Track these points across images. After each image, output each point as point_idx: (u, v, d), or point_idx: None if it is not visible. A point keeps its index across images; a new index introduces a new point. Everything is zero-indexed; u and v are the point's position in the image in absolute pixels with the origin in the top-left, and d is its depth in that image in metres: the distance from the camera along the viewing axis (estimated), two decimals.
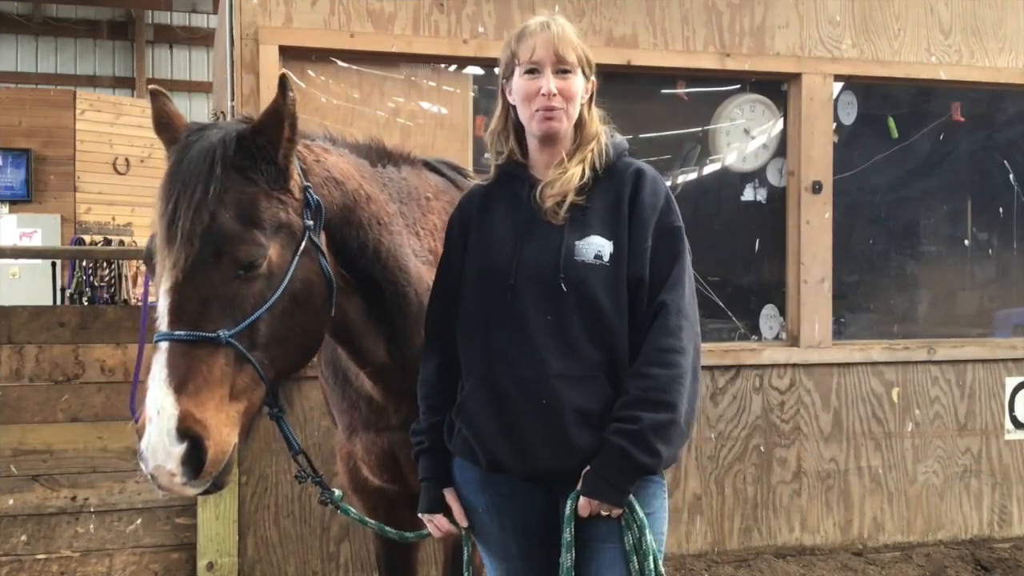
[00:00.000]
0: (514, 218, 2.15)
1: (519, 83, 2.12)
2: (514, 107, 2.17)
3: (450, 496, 2.19)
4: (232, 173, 1.92)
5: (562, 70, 2.09)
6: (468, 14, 4.24)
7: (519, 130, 2.21)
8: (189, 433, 1.74)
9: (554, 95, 2.07)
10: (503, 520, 2.16)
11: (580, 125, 2.16)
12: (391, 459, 2.61)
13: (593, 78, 2.18)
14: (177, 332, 1.81)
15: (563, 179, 2.09)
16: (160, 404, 1.74)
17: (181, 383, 1.76)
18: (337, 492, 2.31)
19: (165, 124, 2.09)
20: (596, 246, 2.05)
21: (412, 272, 2.41)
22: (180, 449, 1.73)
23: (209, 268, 1.85)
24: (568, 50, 2.09)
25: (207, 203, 1.86)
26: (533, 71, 2.09)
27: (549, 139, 2.13)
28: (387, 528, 2.45)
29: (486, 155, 4.13)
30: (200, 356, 1.80)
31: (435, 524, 2.20)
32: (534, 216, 2.11)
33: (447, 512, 2.19)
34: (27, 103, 11.07)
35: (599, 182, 2.13)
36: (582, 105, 2.15)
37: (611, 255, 2.04)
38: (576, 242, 2.05)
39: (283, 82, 1.96)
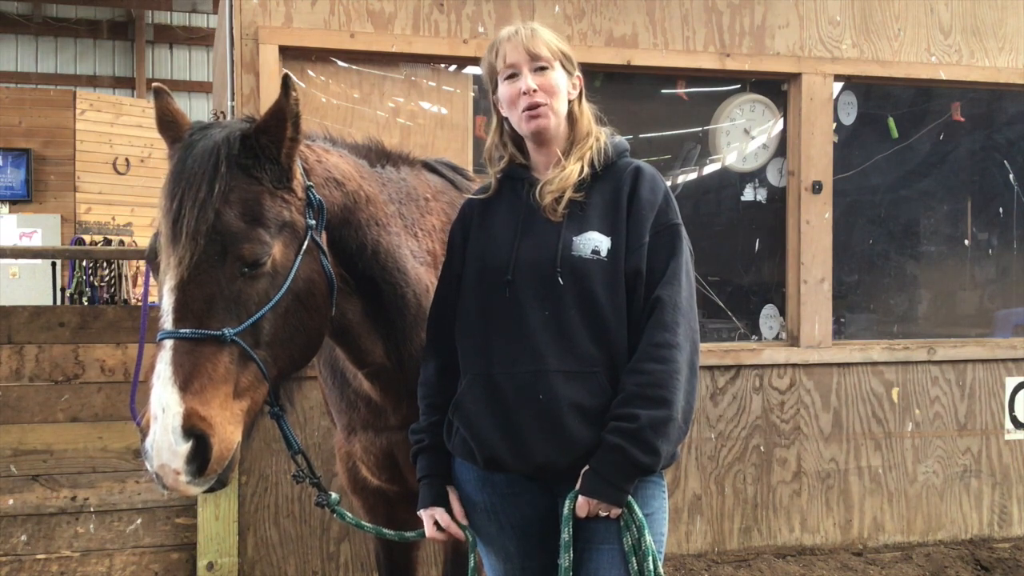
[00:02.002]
0: (514, 216, 2.16)
1: (503, 90, 2.16)
2: (507, 119, 2.20)
3: (452, 494, 2.18)
4: (236, 171, 1.93)
5: (538, 67, 2.12)
6: (468, 14, 4.24)
7: (517, 139, 2.24)
8: (194, 431, 1.74)
9: (535, 91, 2.10)
10: (501, 520, 2.16)
11: (572, 121, 2.18)
12: (390, 459, 2.61)
13: (578, 73, 2.21)
14: (182, 330, 1.81)
15: (561, 176, 2.11)
16: (165, 402, 1.74)
17: (186, 381, 1.77)
18: (334, 495, 2.29)
19: (168, 122, 2.10)
20: (594, 241, 2.06)
21: (410, 273, 2.41)
22: (185, 447, 1.73)
23: (214, 266, 1.86)
24: (540, 47, 2.12)
25: (212, 201, 1.86)
26: (512, 75, 2.14)
27: (541, 137, 2.16)
28: (385, 530, 2.43)
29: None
30: (204, 354, 1.81)
31: (434, 521, 2.17)
32: (533, 213, 2.13)
33: (449, 510, 2.18)
34: (27, 103, 11.05)
35: (598, 180, 2.14)
36: (572, 101, 2.18)
37: (609, 251, 2.06)
38: (574, 237, 2.07)
39: (286, 82, 1.97)
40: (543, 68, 2.12)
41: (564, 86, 2.15)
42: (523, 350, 2.04)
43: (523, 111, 2.11)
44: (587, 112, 2.22)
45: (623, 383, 2.00)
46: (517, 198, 2.19)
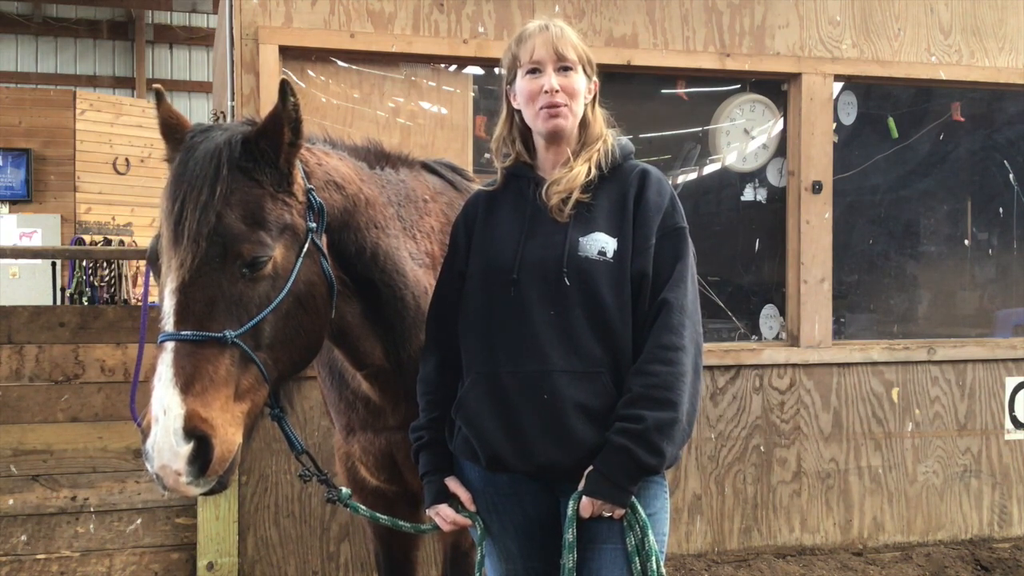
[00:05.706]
0: (519, 215, 2.17)
1: (522, 84, 2.15)
2: (519, 111, 2.20)
3: (453, 484, 2.18)
4: (238, 174, 1.94)
5: (563, 68, 2.12)
6: (468, 14, 4.24)
7: (525, 133, 2.23)
8: (195, 432, 1.75)
9: (557, 91, 2.10)
10: (504, 520, 2.16)
11: (584, 125, 2.19)
12: (389, 459, 2.62)
13: (595, 78, 2.21)
14: (183, 332, 1.82)
15: (569, 176, 2.11)
16: (166, 404, 1.75)
17: (187, 383, 1.77)
18: (345, 490, 2.30)
19: (172, 126, 2.11)
20: (600, 243, 2.06)
21: (409, 275, 2.41)
22: (187, 449, 1.73)
23: (215, 268, 1.86)
24: (568, 48, 2.12)
25: (213, 204, 1.87)
26: (535, 71, 2.13)
27: (555, 137, 2.16)
28: (401, 522, 2.40)
29: (486, 155, 4.12)
30: (206, 356, 1.81)
31: (442, 516, 2.18)
32: (539, 213, 2.13)
33: (452, 503, 2.18)
34: (27, 103, 11.05)
35: (605, 181, 2.15)
36: (586, 105, 2.18)
37: (615, 252, 2.06)
38: (580, 238, 2.07)
39: (283, 88, 1.97)
40: (567, 69, 2.12)
41: (583, 90, 2.15)
42: (528, 349, 2.04)
43: (541, 108, 2.11)
44: (599, 116, 2.22)
45: (629, 384, 2.00)
46: (522, 197, 2.19)
